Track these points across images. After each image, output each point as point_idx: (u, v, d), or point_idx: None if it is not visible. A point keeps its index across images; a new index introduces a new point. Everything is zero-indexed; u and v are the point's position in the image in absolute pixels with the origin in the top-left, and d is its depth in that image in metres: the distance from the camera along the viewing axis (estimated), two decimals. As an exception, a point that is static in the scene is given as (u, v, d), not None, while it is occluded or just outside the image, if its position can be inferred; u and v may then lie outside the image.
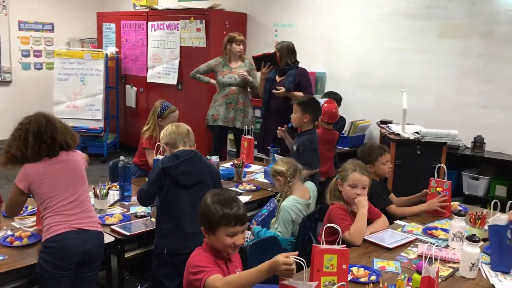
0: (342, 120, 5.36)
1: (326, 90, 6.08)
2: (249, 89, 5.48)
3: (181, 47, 6.72)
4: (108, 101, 7.33)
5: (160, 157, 3.58)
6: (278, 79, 4.97)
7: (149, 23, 7.11)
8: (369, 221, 2.84)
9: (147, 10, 7.25)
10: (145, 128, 3.98)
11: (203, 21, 6.37)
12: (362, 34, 5.78)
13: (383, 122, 5.09)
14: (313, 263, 2.02)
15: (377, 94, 5.72)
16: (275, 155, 4.09)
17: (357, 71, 5.88)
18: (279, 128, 4.17)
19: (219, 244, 2.00)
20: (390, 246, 2.63)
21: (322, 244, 2.05)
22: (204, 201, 2.05)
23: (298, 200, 3.09)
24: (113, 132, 7.70)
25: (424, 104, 5.20)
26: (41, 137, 2.38)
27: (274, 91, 4.86)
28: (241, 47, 5.35)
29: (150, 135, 3.88)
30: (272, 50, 5.20)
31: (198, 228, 2.69)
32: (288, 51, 4.95)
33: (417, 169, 4.23)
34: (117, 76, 7.61)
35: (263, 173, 4.13)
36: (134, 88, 7.50)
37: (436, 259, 2.47)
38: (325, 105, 4.32)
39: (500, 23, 4.76)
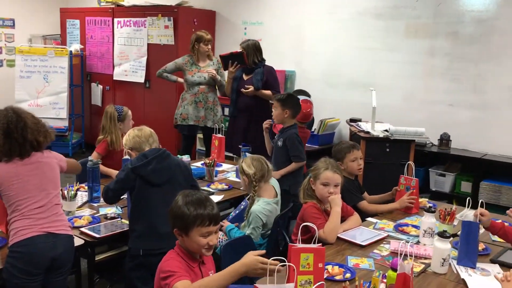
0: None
1: (296, 88, 6.11)
2: (217, 88, 5.46)
3: (148, 44, 6.61)
4: (73, 99, 7.15)
5: (129, 157, 3.52)
6: (245, 77, 4.96)
7: (115, 20, 6.96)
8: (342, 219, 2.86)
9: (112, 6, 7.10)
10: (101, 137, 3.87)
11: (171, 18, 6.28)
12: (330, 33, 5.82)
13: (352, 120, 5.14)
14: (289, 262, 2.00)
15: (346, 92, 5.77)
16: (247, 153, 4.07)
17: (326, 70, 5.92)
18: (266, 121, 4.15)
19: (193, 245, 1.97)
20: (363, 244, 2.64)
21: (298, 243, 2.04)
22: (176, 203, 2.02)
23: (267, 201, 3.06)
24: (78, 131, 7.51)
25: (392, 102, 5.27)
26: (11, 135, 2.28)
27: (243, 90, 4.85)
28: (209, 46, 5.32)
29: (108, 140, 3.79)
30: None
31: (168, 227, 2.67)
32: (254, 49, 4.94)
33: (386, 166, 4.30)
34: (82, 74, 7.43)
35: (234, 172, 4.10)
36: (100, 86, 7.34)
37: (410, 256, 2.50)
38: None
39: (464, 23, 4.87)
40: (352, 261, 2.44)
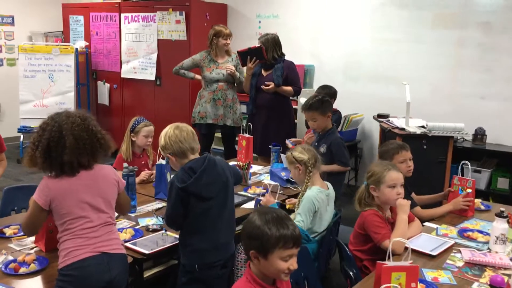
0: (338, 114, 5.17)
1: (315, 83, 5.92)
2: (236, 85, 5.26)
3: (159, 40, 6.35)
4: (80, 99, 6.88)
5: (162, 161, 3.28)
6: (264, 73, 4.78)
7: (122, 15, 6.69)
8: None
9: (119, 1, 6.82)
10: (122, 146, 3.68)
11: (183, 12, 6.02)
12: (351, 25, 5.61)
13: (380, 116, 4.94)
14: (380, 282, 1.80)
15: (368, 86, 5.57)
16: (282, 154, 3.87)
17: (346, 63, 5.71)
18: (308, 137, 3.96)
19: (271, 270, 1.75)
20: (434, 253, 2.44)
21: (388, 260, 1.83)
22: (252, 222, 1.78)
23: (320, 189, 2.91)
24: (85, 131, 7.23)
25: (418, 96, 5.04)
26: (50, 153, 2.06)
27: (263, 87, 4.64)
28: (228, 41, 5.10)
29: (124, 150, 3.60)
30: (256, 42, 4.95)
31: (228, 237, 2.48)
32: (273, 44, 4.74)
33: (423, 164, 4.07)
34: (87, 72, 7.15)
35: (267, 174, 3.89)
36: (107, 85, 7.07)
37: (486, 266, 2.32)
38: None
39: (497, 13, 4.68)
40: (428, 274, 2.24)
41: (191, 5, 6.00)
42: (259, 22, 6.30)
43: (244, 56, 4.77)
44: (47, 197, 2.03)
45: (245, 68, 5.01)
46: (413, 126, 4.28)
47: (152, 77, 6.47)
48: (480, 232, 2.72)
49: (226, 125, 5.19)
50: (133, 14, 6.56)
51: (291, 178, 3.49)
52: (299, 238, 1.77)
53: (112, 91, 7.05)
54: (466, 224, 2.89)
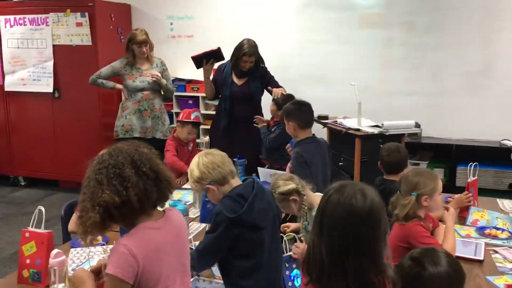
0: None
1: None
2: (162, 93, 4.80)
3: (54, 46, 5.51)
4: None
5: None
6: (238, 82, 4.33)
7: (1, 18, 5.67)
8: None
9: (-5, 1, 5.79)
10: None
11: (86, 13, 5.30)
12: (274, 26, 5.49)
13: (320, 117, 4.89)
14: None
15: (294, 88, 5.47)
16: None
17: (270, 65, 5.55)
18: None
19: None
20: (481, 258, 2.43)
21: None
22: (436, 277, 1.55)
23: None
24: (-44, 157, 6.03)
25: (347, 96, 5.11)
26: (139, 169, 1.53)
27: (278, 92, 4.28)
28: (143, 49, 4.54)
29: None
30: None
31: (281, 275, 2.18)
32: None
33: (381, 163, 4.15)
34: (-44, 86, 5.94)
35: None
36: (-15, 100, 5.95)
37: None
38: None
39: (420, 13, 4.94)
40: (497, 282, 2.20)
41: (95, 6, 5.30)
42: (171, 24, 5.84)
43: (199, 60, 4.28)
44: (134, 268, 1.49)
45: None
46: (365, 126, 4.31)
47: (49, 89, 5.60)
48: (496, 228, 2.79)
49: (155, 138, 4.69)
50: (17, 16, 5.60)
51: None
52: None
53: (-8, 107, 5.97)
54: (473, 217, 2.95)
